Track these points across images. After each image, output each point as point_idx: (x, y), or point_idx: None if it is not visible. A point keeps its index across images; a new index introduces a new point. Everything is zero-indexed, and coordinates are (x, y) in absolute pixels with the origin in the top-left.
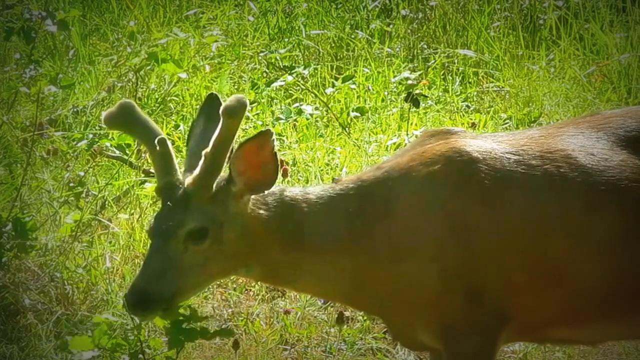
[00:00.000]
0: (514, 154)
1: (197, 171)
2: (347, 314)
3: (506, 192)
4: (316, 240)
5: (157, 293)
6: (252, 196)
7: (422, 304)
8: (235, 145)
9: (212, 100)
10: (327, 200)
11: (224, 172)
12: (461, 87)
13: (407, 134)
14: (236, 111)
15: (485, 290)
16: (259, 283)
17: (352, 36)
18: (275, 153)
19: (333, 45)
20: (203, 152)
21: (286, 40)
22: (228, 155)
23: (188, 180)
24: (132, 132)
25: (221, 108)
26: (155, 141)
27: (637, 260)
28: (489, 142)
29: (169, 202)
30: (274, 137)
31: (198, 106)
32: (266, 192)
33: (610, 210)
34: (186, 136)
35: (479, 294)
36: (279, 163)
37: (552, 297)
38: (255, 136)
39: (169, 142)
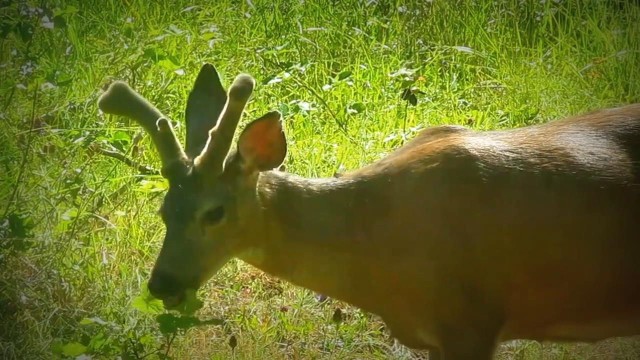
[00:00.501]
0: (512, 152)
1: (205, 151)
2: (344, 311)
3: (504, 190)
4: (313, 231)
5: (181, 276)
6: (260, 173)
7: (421, 302)
8: (242, 125)
9: (208, 72)
10: (327, 192)
11: (231, 149)
12: (458, 84)
13: (404, 131)
14: (244, 92)
15: (483, 288)
16: (255, 280)
17: (349, 33)
18: (283, 132)
19: (330, 42)
20: (210, 132)
21: (283, 37)
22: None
23: (197, 160)
24: (130, 114)
25: (229, 89)
26: (157, 122)
27: (636, 259)
28: (487, 140)
29: (179, 184)
30: (282, 118)
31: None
32: (274, 169)
33: (610, 209)
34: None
35: (477, 292)
36: (286, 142)
37: (551, 295)
38: (263, 117)
39: (169, 123)
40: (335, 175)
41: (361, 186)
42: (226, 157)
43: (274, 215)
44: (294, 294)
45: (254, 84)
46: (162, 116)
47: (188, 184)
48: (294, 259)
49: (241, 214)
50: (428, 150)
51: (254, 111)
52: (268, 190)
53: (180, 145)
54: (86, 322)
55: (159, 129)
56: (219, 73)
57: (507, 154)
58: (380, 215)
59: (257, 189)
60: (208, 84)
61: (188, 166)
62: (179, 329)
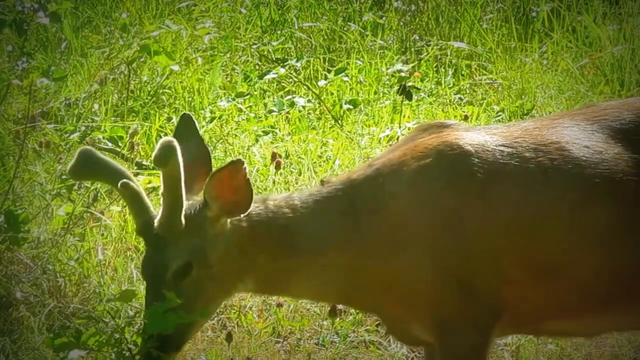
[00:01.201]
0: (507, 147)
1: (160, 211)
2: (339, 307)
3: (499, 185)
4: (305, 245)
5: (171, 335)
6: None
7: (416, 299)
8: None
9: (186, 121)
10: (312, 204)
11: (199, 197)
12: (454, 80)
13: (400, 127)
14: (166, 158)
15: (479, 284)
16: None
17: (345, 28)
18: (248, 179)
19: (325, 37)
20: (160, 192)
21: (279, 32)
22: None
23: (156, 221)
24: (99, 178)
25: (152, 157)
26: (119, 185)
27: (631, 254)
28: (482, 135)
29: (149, 245)
30: (245, 165)
31: (190, 99)
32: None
33: (605, 203)
34: None
35: (472, 288)
36: (252, 188)
37: (546, 290)
38: (226, 166)
39: (134, 183)
40: (322, 182)
41: (351, 189)
42: (189, 209)
43: (258, 246)
44: None
45: (175, 146)
46: (127, 178)
47: (155, 244)
48: (288, 277)
49: (214, 260)
50: (420, 147)
51: (250, 106)
52: (245, 224)
53: (149, 202)
54: (80, 320)
55: (122, 191)
56: (196, 121)
57: (501, 148)
58: (373, 216)
59: (230, 229)
60: (186, 132)
61: (154, 225)
62: None
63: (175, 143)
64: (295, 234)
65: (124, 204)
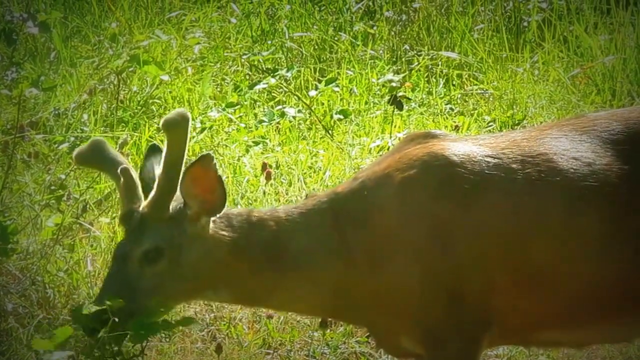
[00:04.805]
0: (493, 157)
1: (151, 194)
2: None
3: (485, 196)
4: (289, 258)
5: (114, 313)
6: (213, 219)
7: (404, 311)
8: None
9: (154, 150)
10: (297, 217)
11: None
12: (445, 90)
13: (391, 137)
14: (176, 122)
15: (467, 295)
16: None
17: (336, 38)
18: (220, 176)
19: (316, 47)
20: (157, 174)
21: (269, 42)
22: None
23: (144, 204)
24: (103, 168)
25: (161, 121)
26: (118, 170)
27: (620, 264)
28: (468, 145)
29: (129, 229)
30: (215, 161)
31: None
32: (226, 213)
33: (594, 214)
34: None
35: (460, 298)
36: (224, 184)
37: (534, 301)
38: (196, 160)
39: (133, 173)
40: (307, 196)
41: (335, 203)
42: (175, 202)
43: (239, 259)
44: None
45: (189, 117)
46: (128, 165)
47: (135, 227)
48: (267, 289)
49: (186, 261)
50: (405, 158)
51: (240, 117)
52: (227, 234)
53: (142, 196)
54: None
55: (121, 177)
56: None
57: (488, 159)
58: (358, 229)
59: (211, 235)
60: (156, 159)
61: (137, 212)
62: (163, 335)
63: (189, 115)
64: (279, 247)
65: (113, 215)
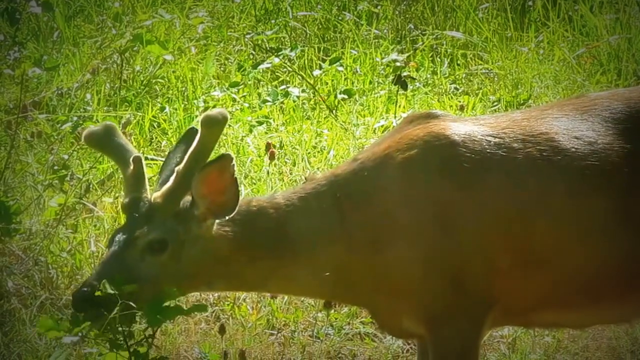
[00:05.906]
0: (494, 137)
1: (166, 185)
2: None
3: (486, 176)
4: (290, 243)
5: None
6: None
7: (406, 292)
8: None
9: (191, 134)
10: (296, 202)
11: (189, 195)
12: (449, 69)
13: (395, 117)
14: (217, 121)
15: (469, 275)
16: None
17: (340, 18)
18: (236, 178)
19: (320, 26)
20: (175, 168)
21: (273, 21)
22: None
23: (156, 194)
24: (110, 153)
25: (201, 117)
26: (131, 159)
27: (622, 245)
28: (469, 125)
29: (132, 216)
30: (234, 161)
31: (183, 89)
32: (227, 217)
33: (595, 194)
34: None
35: (462, 279)
36: (239, 188)
37: (536, 281)
38: (215, 160)
39: (143, 162)
40: (306, 179)
41: (335, 185)
42: (185, 200)
43: (240, 251)
44: None
45: (228, 117)
46: (139, 154)
47: (141, 215)
48: (265, 276)
49: (186, 259)
50: (405, 138)
51: (244, 96)
52: (229, 229)
53: (148, 186)
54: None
55: (131, 165)
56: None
57: (489, 139)
58: (358, 210)
59: (213, 236)
60: (189, 146)
61: (146, 201)
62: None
63: (228, 116)
64: (279, 234)
65: (116, 195)
